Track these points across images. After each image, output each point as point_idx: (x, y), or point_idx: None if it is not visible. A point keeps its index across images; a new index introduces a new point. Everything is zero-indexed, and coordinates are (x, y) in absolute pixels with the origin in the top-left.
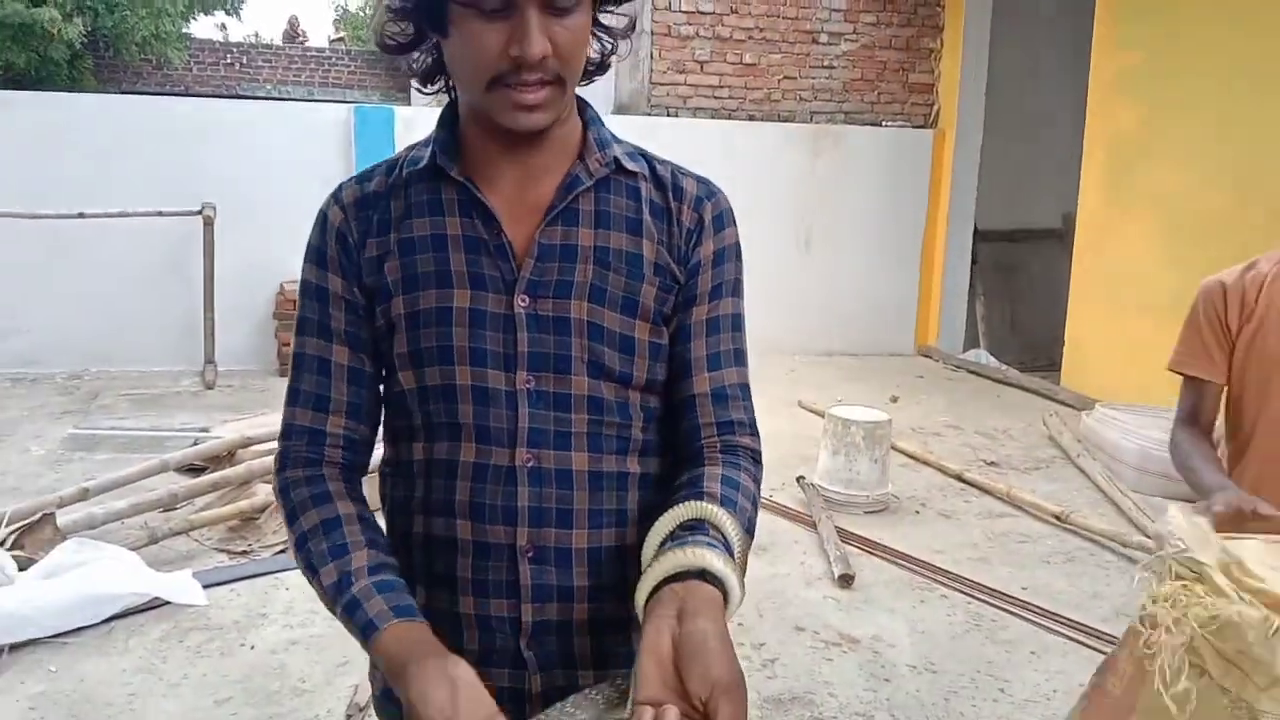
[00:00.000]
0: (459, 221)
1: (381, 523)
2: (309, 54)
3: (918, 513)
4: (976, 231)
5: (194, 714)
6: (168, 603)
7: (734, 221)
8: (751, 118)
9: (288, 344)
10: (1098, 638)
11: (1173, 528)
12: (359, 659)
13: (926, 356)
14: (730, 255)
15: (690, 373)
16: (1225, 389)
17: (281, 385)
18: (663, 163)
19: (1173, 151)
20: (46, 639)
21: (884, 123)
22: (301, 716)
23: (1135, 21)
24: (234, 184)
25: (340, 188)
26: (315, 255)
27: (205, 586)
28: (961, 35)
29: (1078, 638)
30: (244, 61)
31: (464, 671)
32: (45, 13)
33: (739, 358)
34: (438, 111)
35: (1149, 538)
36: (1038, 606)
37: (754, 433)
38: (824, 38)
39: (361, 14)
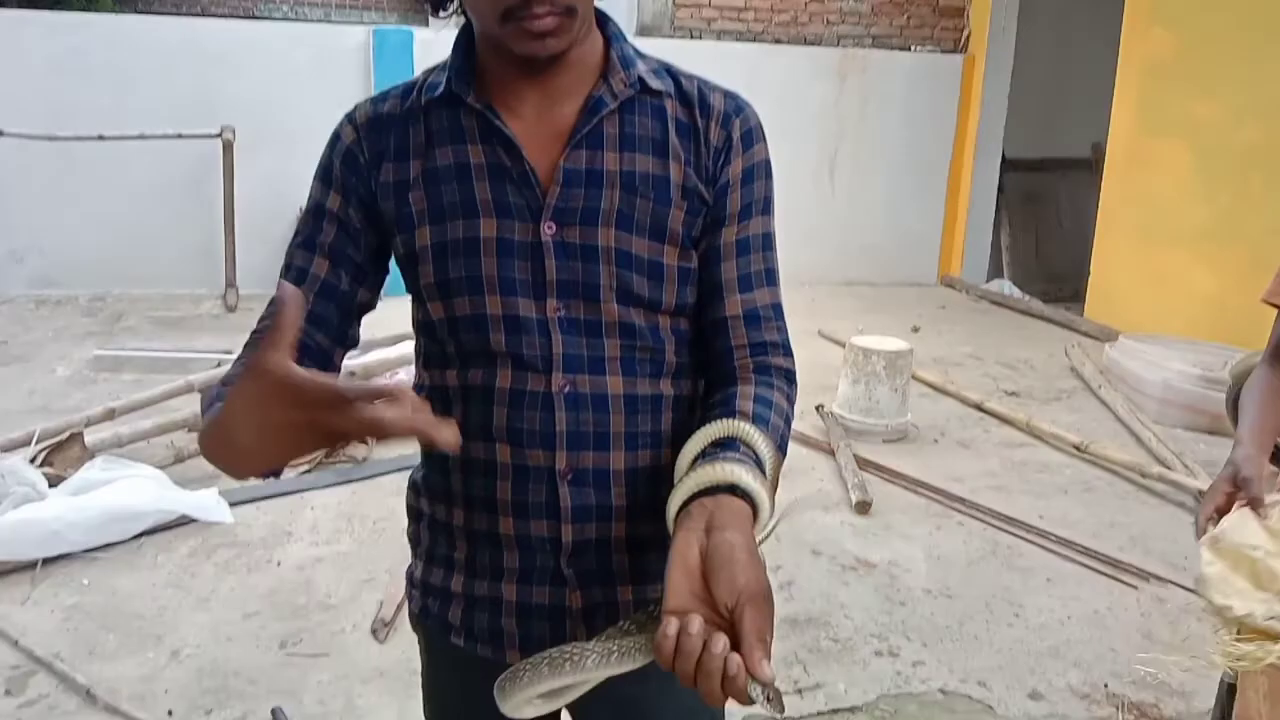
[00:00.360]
0: (480, 149)
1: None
2: None
3: (936, 442)
4: (1004, 160)
5: (223, 627)
6: (195, 520)
7: (763, 137)
8: (777, 41)
9: None
10: (1114, 565)
11: (1204, 575)
12: (383, 576)
13: (949, 287)
14: (760, 172)
15: (722, 295)
16: None
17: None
18: (689, 77)
19: (1207, 81)
20: (78, 554)
21: (913, 48)
22: (328, 630)
23: None
24: (253, 106)
25: (355, 108)
26: (322, 172)
27: (231, 505)
28: None
29: (1093, 565)
30: None
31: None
32: None
33: (770, 277)
34: (453, 18)
35: (1169, 481)
36: (1054, 534)
37: (787, 353)
38: None
39: None
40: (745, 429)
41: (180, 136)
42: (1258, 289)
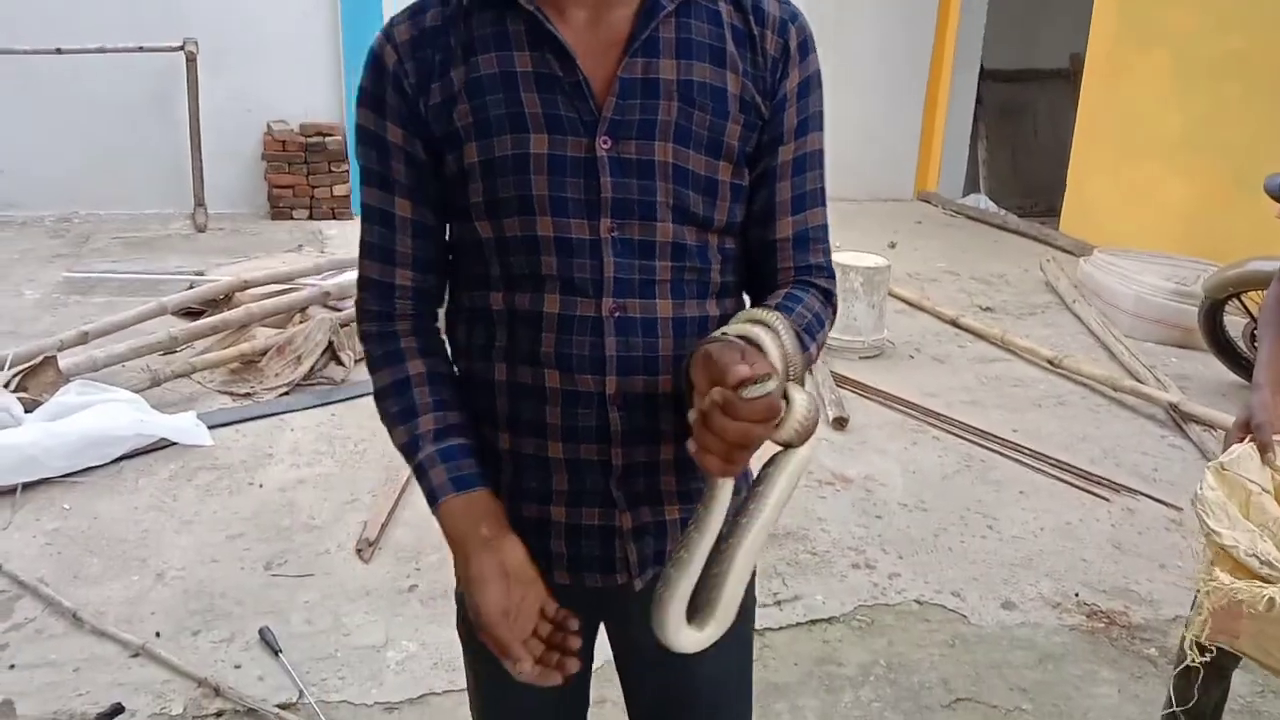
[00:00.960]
0: (529, 56)
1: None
2: None
3: (912, 358)
4: (982, 71)
5: (207, 548)
6: (174, 443)
7: (815, 47)
8: None
9: (278, 186)
10: (1085, 478)
11: (1204, 495)
12: (365, 497)
13: (926, 202)
14: (814, 84)
15: (775, 215)
16: None
17: (272, 229)
18: None
19: None
20: (58, 479)
21: None
22: (313, 550)
23: None
24: (216, 19)
25: (392, 24)
26: (370, 100)
27: (210, 427)
28: None
29: (1065, 478)
30: None
31: (515, 558)
32: None
33: (821, 197)
34: None
35: (1140, 383)
36: (1027, 447)
37: (830, 275)
38: None
39: None
40: (767, 314)
41: (141, 50)
42: (1234, 202)
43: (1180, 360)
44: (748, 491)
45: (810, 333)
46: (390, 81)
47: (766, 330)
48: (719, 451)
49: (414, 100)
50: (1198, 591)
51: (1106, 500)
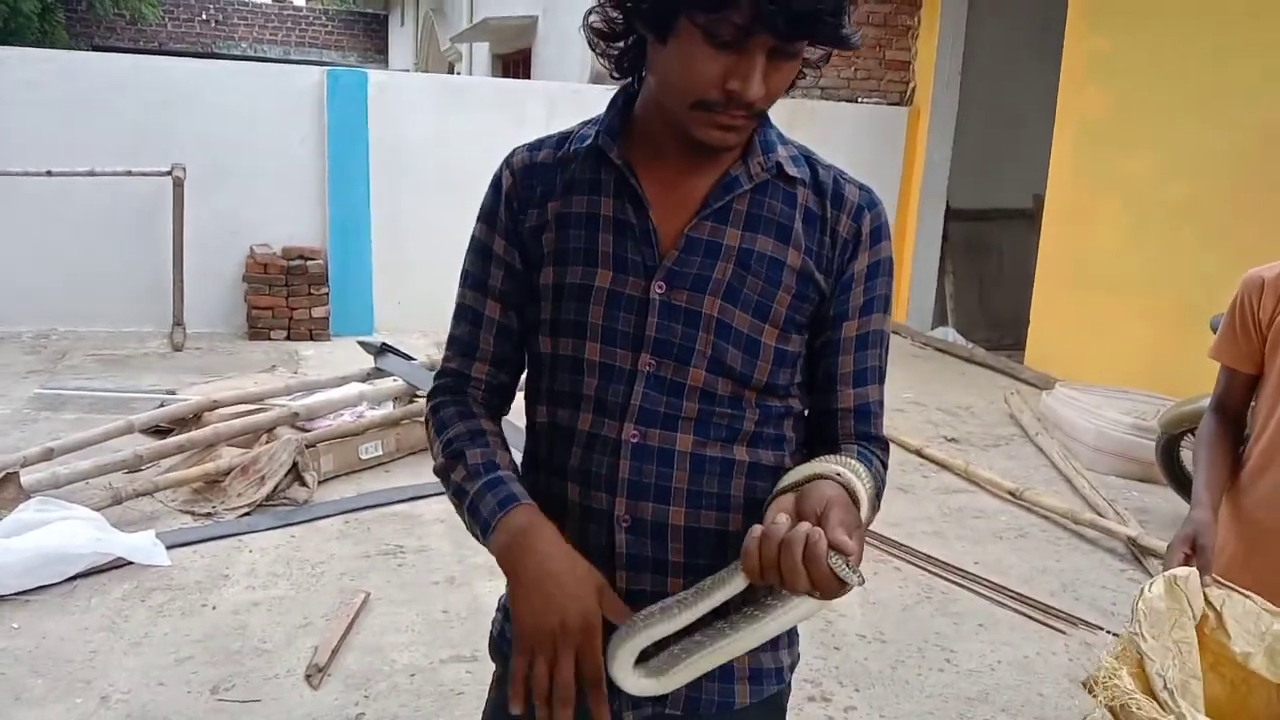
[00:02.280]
0: (612, 203)
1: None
2: (285, 13)
3: None
4: (948, 210)
5: (154, 672)
6: (131, 563)
7: (889, 235)
8: None
9: (257, 307)
10: (1044, 611)
11: (1150, 597)
12: (319, 621)
13: (895, 333)
14: (884, 269)
15: (836, 387)
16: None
17: (249, 349)
18: (826, 167)
19: (1139, 138)
20: (9, 596)
21: (859, 100)
22: (262, 675)
23: (1107, 9)
24: (205, 144)
25: (513, 153)
26: (487, 215)
27: (169, 547)
28: (939, 13)
29: (1025, 611)
30: (220, 19)
31: (560, 551)
32: None
33: (881, 375)
34: (410, 76)
35: (1100, 516)
36: (988, 580)
37: (885, 447)
38: None
39: None
40: (847, 460)
41: (130, 174)
42: (1188, 339)
43: (1140, 494)
44: (765, 591)
45: (878, 491)
46: (503, 200)
47: (862, 486)
48: (761, 562)
49: (518, 218)
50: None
51: (1064, 634)
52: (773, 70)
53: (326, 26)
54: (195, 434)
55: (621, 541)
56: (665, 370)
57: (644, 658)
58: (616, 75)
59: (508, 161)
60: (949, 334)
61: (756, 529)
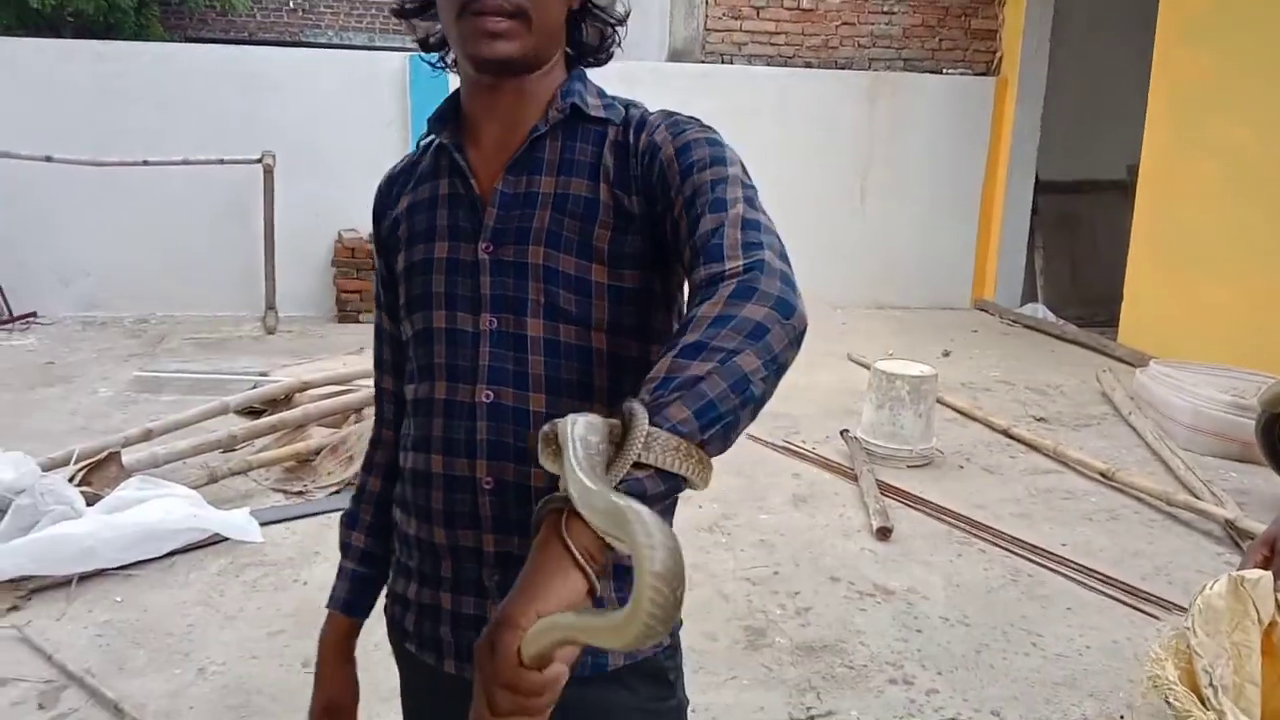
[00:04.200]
0: (446, 182)
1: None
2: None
3: (961, 468)
4: (1038, 182)
5: (248, 644)
6: (226, 539)
7: (702, 127)
8: (808, 65)
9: (346, 291)
10: (1135, 595)
11: (1210, 594)
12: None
13: (983, 310)
14: (697, 145)
15: (684, 259)
16: None
17: (338, 331)
18: (641, 108)
19: (1239, 103)
20: (112, 570)
21: (944, 70)
22: None
23: None
24: (293, 132)
25: (384, 176)
26: (373, 238)
27: (262, 524)
28: None
29: (1115, 595)
30: (307, 8)
31: (337, 697)
32: None
33: (717, 206)
34: (448, 69)
35: (1196, 498)
36: (1076, 562)
37: (717, 258)
38: None
39: None
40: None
41: (222, 162)
42: None
43: (1239, 475)
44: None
45: (672, 383)
46: (374, 219)
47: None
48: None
49: (381, 226)
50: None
51: (1156, 619)
52: None
53: None
54: (286, 414)
55: (485, 504)
56: (506, 325)
57: None
58: (428, 60)
59: (379, 184)
60: (1039, 310)
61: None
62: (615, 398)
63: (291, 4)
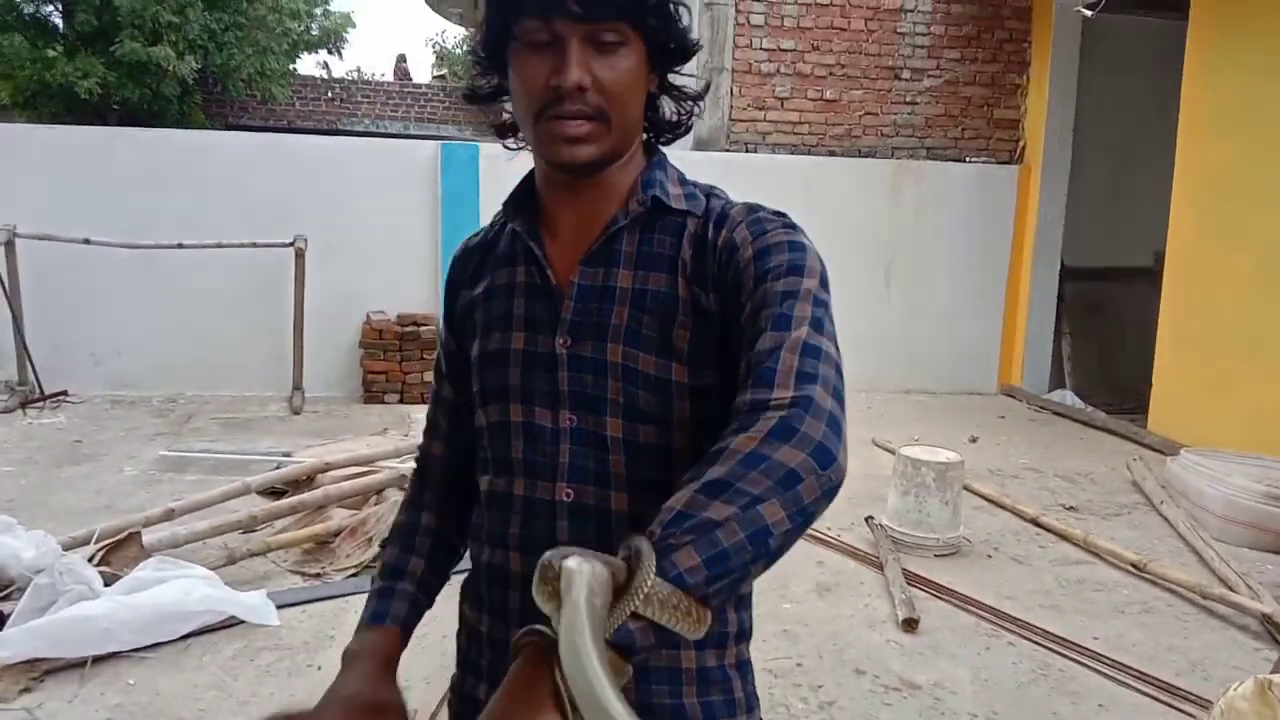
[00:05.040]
0: (523, 270)
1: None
2: (405, 90)
3: (990, 557)
4: (1064, 269)
5: None
6: (242, 621)
7: (786, 227)
8: (832, 153)
9: (372, 372)
10: (1171, 692)
11: (1233, 696)
12: (421, 684)
13: (1010, 396)
14: (777, 250)
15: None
16: None
17: (363, 412)
18: (723, 199)
19: (1265, 190)
20: (127, 652)
21: (968, 159)
22: None
23: (1227, 57)
24: (325, 216)
25: (460, 245)
26: (443, 307)
27: (279, 607)
28: (1048, 70)
29: (1150, 691)
30: (344, 97)
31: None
32: (160, 51)
33: (780, 323)
34: (522, 150)
35: (1231, 590)
36: (1108, 657)
37: (766, 384)
38: (906, 74)
39: (458, 52)
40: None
41: (255, 245)
42: None
43: (1275, 567)
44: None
45: (686, 522)
46: (444, 287)
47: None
48: None
49: (453, 303)
50: None
51: (1192, 717)
52: (595, 62)
53: (445, 102)
54: (307, 496)
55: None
56: (586, 423)
57: None
58: (504, 143)
59: (455, 251)
60: (1067, 397)
61: None
62: None
63: (330, 94)
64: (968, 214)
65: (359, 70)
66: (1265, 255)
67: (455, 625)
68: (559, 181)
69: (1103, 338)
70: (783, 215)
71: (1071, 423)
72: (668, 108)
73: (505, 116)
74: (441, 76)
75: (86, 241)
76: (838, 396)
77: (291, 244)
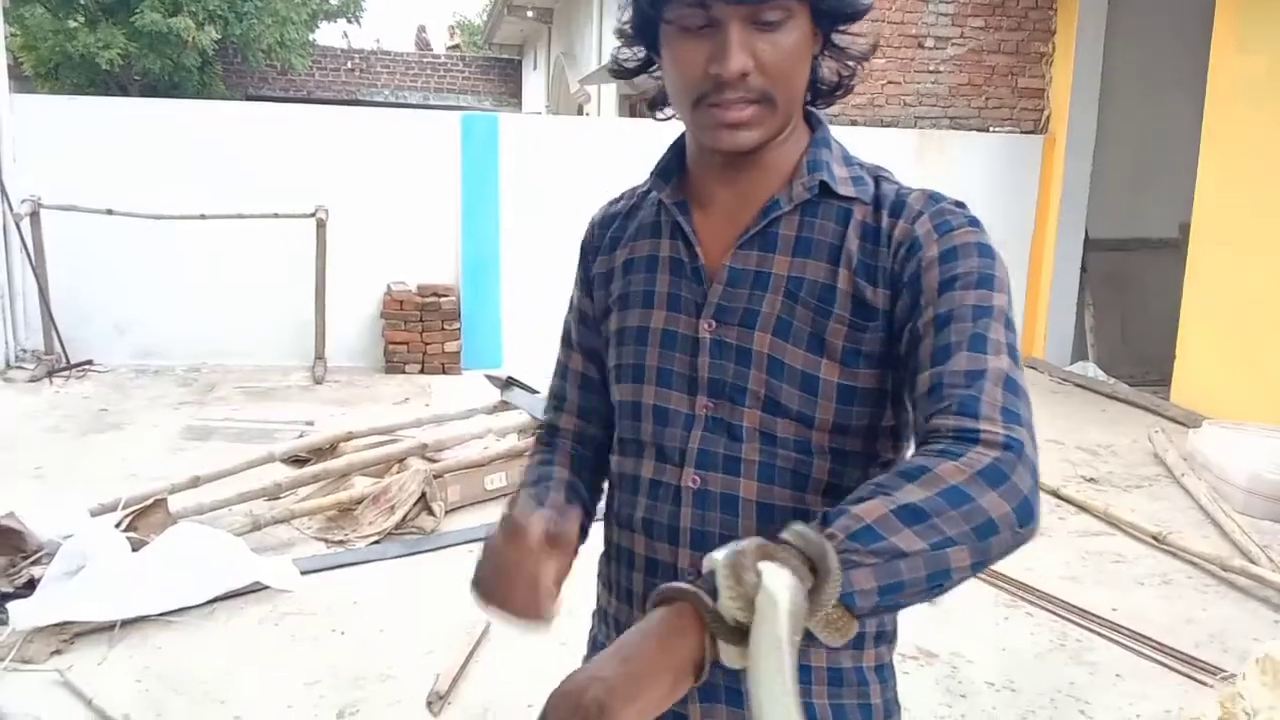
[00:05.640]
0: (668, 244)
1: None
2: (425, 60)
3: None
4: (1088, 240)
5: (284, 694)
6: (267, 587)
7: (972, 224)
8: (854, 123)
9: (394, 343)
10: (1188, 663)
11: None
12: (442, 649)
13: (1032, 368)
14: (965, 252)
15: (916, 376)
16: None
17: (384, 382)
18: (895, 184)
19: None
20: (154, 616)
21: (991, 128)
22: (385, 700)
23: (1257, 24)
24: (347, 187)
25: (599, 210)
26: (577, 274)
27: (303, 573)
28: (1074, 39)
29: (1167, 662)
30: (364, 68)
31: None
32: (181, 22)
33: (977, 343)
34: (539, 118)
35: (1251, 563)
36: (1126, 628)
37: (972, 413)
38: (930, 42)
39: (478, 23)
40: (797, 529)
41: (277, 216)
42: None
43: None
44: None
45: (874, 541)
46: (581, 253)
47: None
48: None
49: (591, 268)
50: None
51: (1210, 688)
52: (758, 43)
53: (464, 72)
54: (330, 464)
55: None
56: (721, 412)
57: None
58: (655, 116)
59: (592, 216)
60: (1089, 369)
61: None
62: (833, 491)
63: (350, 64)
64: (991, 185)
65: (378, 41)
66: None
67: (447, 604)
68: (714, 159)
69: (1126, 310)
70: (964, 207)
71: (1094, 395)
72: (827, 68)
73: (654, 87)
74: (455, 47)
75: (110, 212)
76: (1035, 441)
77: (313, 214)
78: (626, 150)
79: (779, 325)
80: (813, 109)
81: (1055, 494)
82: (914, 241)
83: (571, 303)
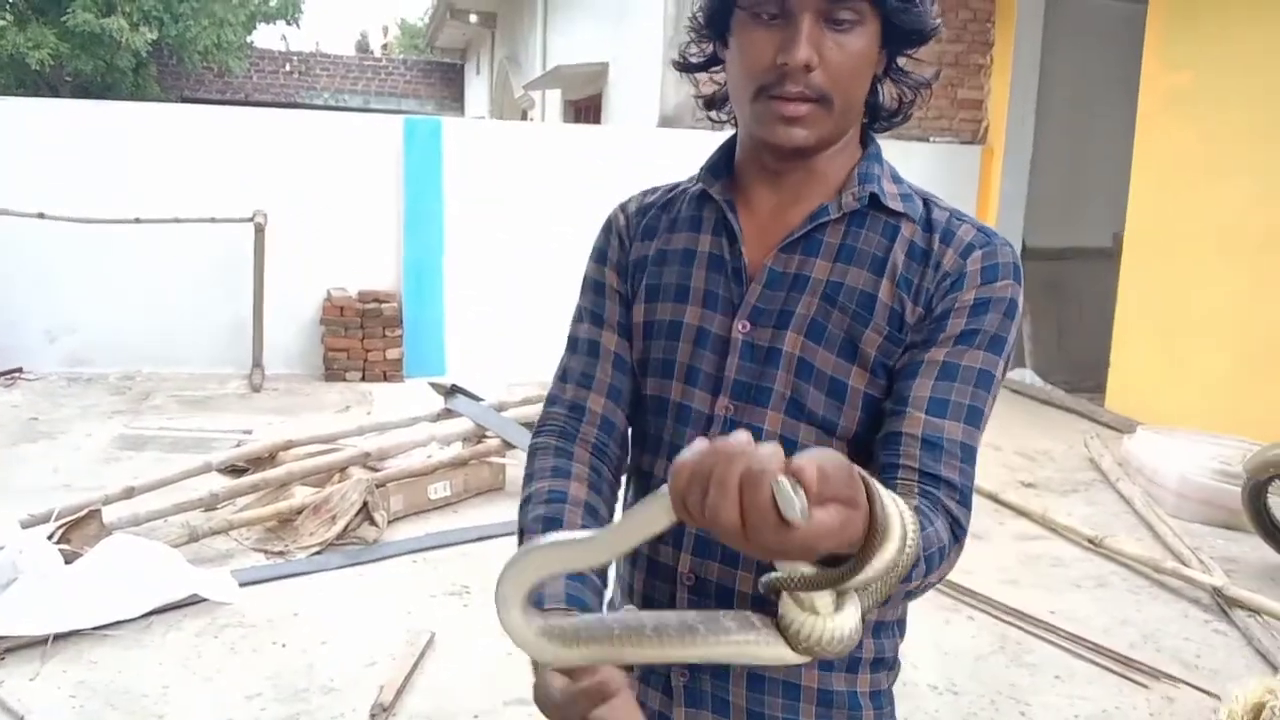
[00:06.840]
0: (709, 239)
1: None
2: (365, 63)
3: None
4: (1025, 249)
5: (224, 708)
6: (205, 599)
7: (1014, 278)
8: None
9: (334, 349)
10: (1124, 663)
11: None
12: (385, 660)
13: None
14: (996, 307)
15: (905, 410)
16: None
17: (324, 390)
18: (945, 210)
19: (1222, 172)
20: (89, 630)
21: (931, 139)
22: (328, 713)
23: (1185, 42)
24: (285, 191)
25: (629, 199)
26: (597, 254)
27: (241, 585)
28: (1012, 51)
29: (1103, 663)
30: (303, 70)
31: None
32: (114, 22)
33: (972, 416)
34: (483, 122)
35: (1184, 565)
36: (1064, 630)
37: (964, 502)
38: None
39: (420, 25)
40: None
41: (214, 220)
42: (1277, 379)
43: (1226, 542)
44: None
45: (929, 564)
46: (614, 237)
47: (898, 519)
48: (690, 472)
49: (628, 252)
50: None
51: (1145, 687)
52: (826, 41)
53: (406, 76)
54: (269, 473)
55: (683, 598)
56: (742, 414)
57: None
58: (710, 115)
59: (623, 205)
60: (1026, 376)
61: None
62: None
63: (288, 66)
64: (931, 194)
65: (318, 44)
66: (1221, 236)
67: (415, 604)
68: (764, 160)
69: (1062, 318)
70: (1011, 249)
71: (1031, 401)
72: (888, 93)
73: (715, 88)
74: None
75: (41, 216)
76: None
77: (251, 219)
78: (571, 155)
79: (812, 327)
80: (870, 130)
81: (994, 499)
82: (960, 278)
83: (600, 285)
